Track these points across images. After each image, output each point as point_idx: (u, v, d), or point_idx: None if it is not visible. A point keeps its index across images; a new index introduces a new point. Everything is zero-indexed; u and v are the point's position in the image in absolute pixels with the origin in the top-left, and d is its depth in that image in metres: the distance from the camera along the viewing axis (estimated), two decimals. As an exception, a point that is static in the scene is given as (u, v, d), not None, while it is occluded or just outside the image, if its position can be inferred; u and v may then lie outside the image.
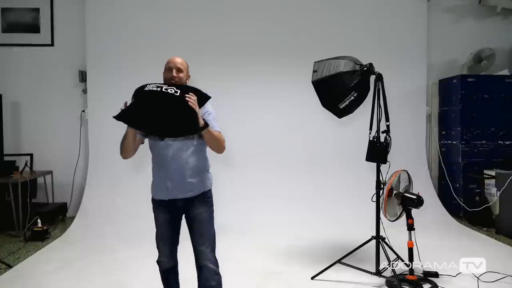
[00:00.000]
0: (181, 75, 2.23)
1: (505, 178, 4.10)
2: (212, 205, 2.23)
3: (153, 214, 2.23)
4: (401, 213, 2.89)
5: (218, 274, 2.16)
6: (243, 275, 3.07)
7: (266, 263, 3.34)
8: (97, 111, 4.91)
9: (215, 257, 2.17)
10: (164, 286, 2.31)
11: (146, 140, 2.30)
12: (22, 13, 5.03)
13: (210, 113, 2.17)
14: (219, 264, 2.18)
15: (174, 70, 2.21)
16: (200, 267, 2.14)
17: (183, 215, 2.23)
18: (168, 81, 2.19)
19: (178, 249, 2.27)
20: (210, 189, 2.25)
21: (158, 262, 2.24)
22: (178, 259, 2.28)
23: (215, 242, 2.19)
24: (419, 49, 5.16)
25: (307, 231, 4.18)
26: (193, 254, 2.16)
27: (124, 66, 4.94)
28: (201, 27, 4.99)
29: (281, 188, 4.84)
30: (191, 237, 2.18)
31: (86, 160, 4.98)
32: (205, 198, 2.20)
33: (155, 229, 2.22)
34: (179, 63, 2.25)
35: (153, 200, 2.23)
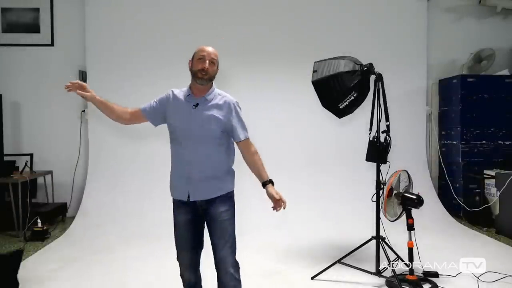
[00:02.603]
0: (213, 68, 2.03)
1: (505, 178, 4.10)
2: (233, 205, 2.14)
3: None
4: (401, 213, 2.89)
5: (237, 280, 2.05)
6: (243, 275, 3.07)
7: (266, 263, 3.34)
8: (97, 111, 4.86)
9: (236, 261, 2.07)
10: None
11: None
12: (22, 13, 5.03)
13: (239, 122, 2.10)
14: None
15: (207, 62, 2.00)
16: (219, 271, 2.04)
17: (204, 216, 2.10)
18: (198, 72, 2.00)
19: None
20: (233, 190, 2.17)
21: (181, 275, 2.14)
22: (201, 275, 2.19)
23: (235, 245, 2.09)
24: (419, 49, 5.15)
25: (307, 231, 4.18)
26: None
27: (124, 66, 4.94)
28: (201, 27, 4.99)
29: (281, 188, 4.80)
30: (211, 239, 2.06)
31: (86, 160, 4.98)
32: (227, 197, 2.11)
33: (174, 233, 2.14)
34: (213, 54, 2.03)
35: (172, 198, 2.14)
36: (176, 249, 2.11)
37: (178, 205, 2.10)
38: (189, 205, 2.05)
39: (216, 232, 2.03)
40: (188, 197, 2.03)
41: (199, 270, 2.17)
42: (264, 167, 2.18)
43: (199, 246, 2.13)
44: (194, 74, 2.03)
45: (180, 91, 2.11)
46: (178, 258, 2.11)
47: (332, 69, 2.87)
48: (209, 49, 2.03)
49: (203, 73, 1.99)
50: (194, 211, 2.07)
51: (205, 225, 2.12)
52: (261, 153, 5.43)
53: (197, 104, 2.04)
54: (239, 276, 2.08)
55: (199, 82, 2.02)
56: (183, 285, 2.15)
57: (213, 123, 2.02)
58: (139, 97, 4.92)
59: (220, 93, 2.11)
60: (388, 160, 2.91)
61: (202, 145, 2.02)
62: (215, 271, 2.06)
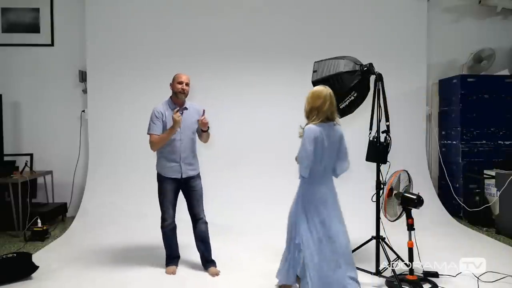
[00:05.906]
0: (188, 88, 3.05)
1: (505, 178, 4.10)
2: (201, 180, 3.20)
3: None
4: (401, 213, 2.89)
5: (207, 222, 3.12)
6: (243, 275, 3.07)
7: (266, 263, 3.34)
8: (97, 111, 4.91)
9: (204, 212, 3.13)
10: (166, 245, 3.13)
11: None
12: (22, 13, 5.03)
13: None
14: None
15: (184, 84, 3.00)
16: (196, 220, 3.09)
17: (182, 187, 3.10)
18: (179, 90, 2.99)
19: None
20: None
21: (163, 226, 3.07)
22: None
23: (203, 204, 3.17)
24: (419, 49, 5.15)
25: (307, 231, 4.17)
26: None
27: (124, 66, 4.94)
28: (200, 27, 4.99)
29: (281, 189, 4.82)
30: (190, 202, 3.09)
31: (86, 160, 4.98)
32: (199, 176, 3.17)
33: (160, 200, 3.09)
34: (188, 79, 3.04)
35: (163, 176, 3.07)
36: (162, 207, 3.07)
37: (167, 180, 3.05)
38: (176, 180, 3.05)
39: (195, 197, 3.09)
40: (181, 175, 3.04)
41: (175, 220, 3.14)
42: (206, 138, 3.19)
43: (175, 205, 3.12)
44: (175, 93, 3.02)
45: (164, 105, 3.06)
46: (164, 214, 3.07)
47: (332, 69, 2.87)
48: (185, 76, 3.04)
49: (183, 92, 3.02)
50: (177, 184, 3.08)
51: (181, 193, 3.13)
52: (261, 154, 5.47)
53: (182, 112, 3.03)
54: (206, 220, 3.12)
55: (180, 97, 3.03)
56: (162, 231, 3.09)
57: (194, 123, 3.08)
58: (139, 97, 4.97)
59: (191, 103, 3.14)
60: (388, 160, 2.91)
61: (188, 138, 3.05)
62: (191, 222, 3.10)
